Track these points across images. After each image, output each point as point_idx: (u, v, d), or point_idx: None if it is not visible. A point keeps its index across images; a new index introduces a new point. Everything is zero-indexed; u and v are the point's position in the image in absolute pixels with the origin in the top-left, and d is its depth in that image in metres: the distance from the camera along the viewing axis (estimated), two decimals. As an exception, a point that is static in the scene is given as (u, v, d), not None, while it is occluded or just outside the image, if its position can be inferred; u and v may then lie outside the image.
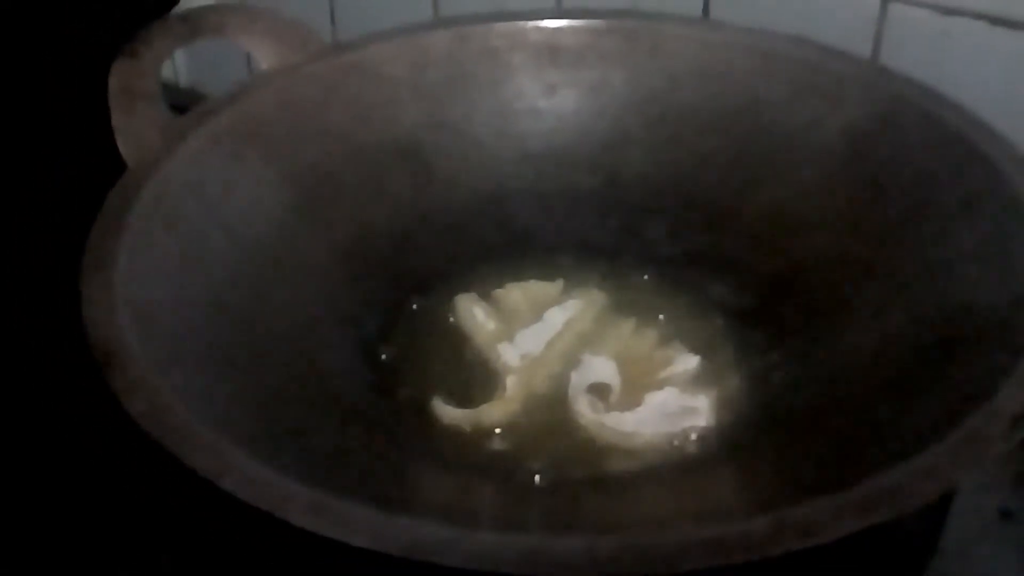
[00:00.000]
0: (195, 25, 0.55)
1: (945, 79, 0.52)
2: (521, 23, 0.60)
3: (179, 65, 0.90)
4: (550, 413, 0.49)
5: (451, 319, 0.54)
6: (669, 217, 0.58)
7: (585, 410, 0.48)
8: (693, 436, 0.48)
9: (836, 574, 0.42)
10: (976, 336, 0.42)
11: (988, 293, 0.43)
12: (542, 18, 0.60)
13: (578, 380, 0.49)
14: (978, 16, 0.57)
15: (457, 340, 0.53)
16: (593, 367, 0.50)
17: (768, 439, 0.46)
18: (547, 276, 0.56)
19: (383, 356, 0.52)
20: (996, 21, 0.56)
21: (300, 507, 0.33)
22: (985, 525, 0.52)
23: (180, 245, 0.48)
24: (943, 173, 0.49)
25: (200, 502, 0.39)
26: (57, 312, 0.44)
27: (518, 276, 0.56)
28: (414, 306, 0.55)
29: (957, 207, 0.48)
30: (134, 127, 0.51)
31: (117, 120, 0.51)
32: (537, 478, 0.46)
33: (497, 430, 0.49)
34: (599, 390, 0.49)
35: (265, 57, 0.56)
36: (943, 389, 0.41)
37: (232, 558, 0.48)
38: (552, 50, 0.60)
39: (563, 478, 0.46)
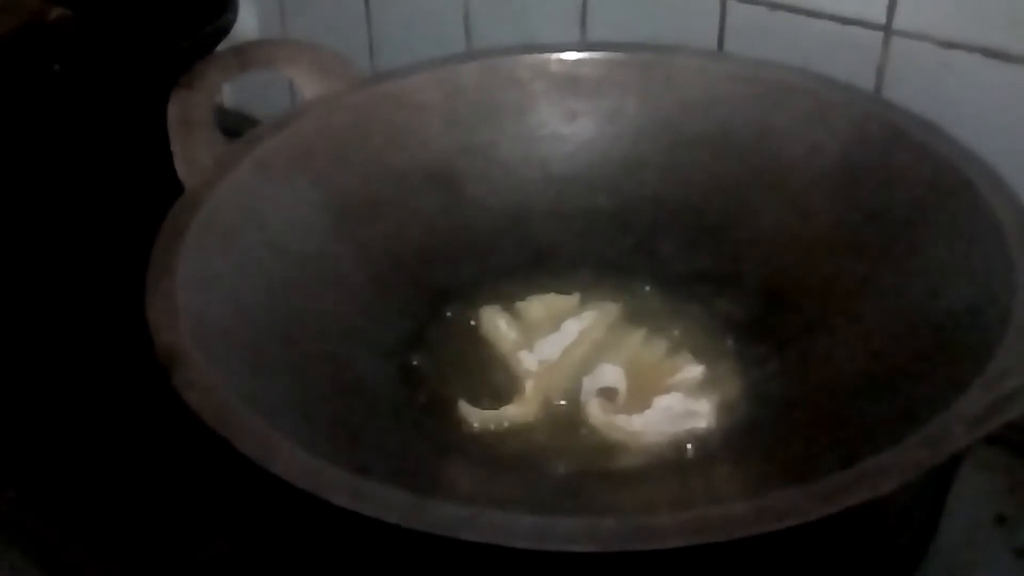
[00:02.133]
0: (246, 58, 0.59)
1: (944, 109, 0.55)
2: (544, 55, 0.63)
3: (226, 89, 0.94)
4: (565, 414, 0.53)
5: (477, 329, 0.58)
6: (680, 236, 0.61)
7: (596, 411, 0.52)
8: (695, 437, 0.52)
9: (830, 574, 0.46)
10: (947, 344, 0.46)
11: (961, 305, 0.47)
12: (564, 51, 0.63)
13: (590, 384, 0.53)
14: (975, 50, 0.59)
15: (482, 348, 0.57)
16: (603, 373, 0.54)
17: (762, 440, 0.50)
18: (565, 290, 0.59)
19: (414, 362, 0.56)
20: (992, 55, 0.58)
21: (341, 490, 0.38)
22: (980, 530, 0.54)
23: (233, 259, 0.52)
24: (931, 200, 0.53)
25: (251, 488, 0.43)
26: (126, 319, 0.48)
27: (539, 290, 0.60)
28: (445, 316, 0.59)
29: (940, 229, 0.51)
30: (190, 152, 0.55)
31: (175, 145, 0.55)
32: (551, 471, 0.50)
33: (517, 429, 0.53)
34: (608, 394, 0.53)
35: (309, 87, 0.61)
36: (915, 393, 0.45)
37: (279, 539, 0.52)
38: (573, 80, 0.63)
39: (575, 472, 0.50)
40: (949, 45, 0.60)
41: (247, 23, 0.89)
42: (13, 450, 0.62)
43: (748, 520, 0.36)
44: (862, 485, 0.37)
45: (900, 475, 0.37)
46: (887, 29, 0.61)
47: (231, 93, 0.94)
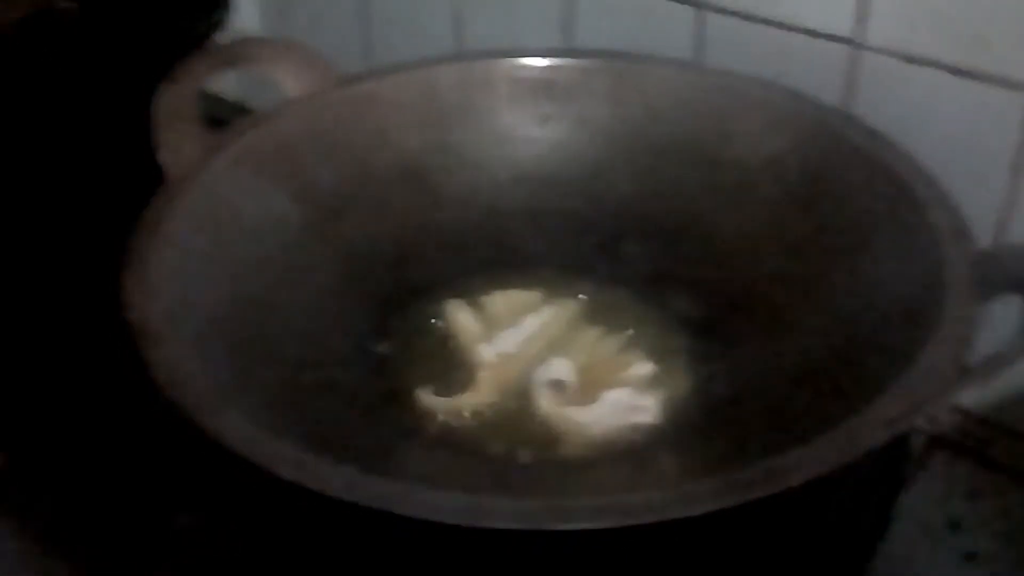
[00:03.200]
0: (230, 55, 0.61)
1: (911, 124, 0.57)
2: (519, 60, 0.65)
3: (227, 81, 0.96)
4: (516, 404, 0.55)
5: (441, 322, 0.60)
6: (643, 238, 0.63)
7: (545, 402, 0.55)
8: (639, 430, 0.54)
9: (774, 569, 0.49)
10: (877, 351, 0.48)
11: (893, 311, 0.50)
12: (538, 56, 0.65)
13: (541, 376, 0.56)
14: (942, 67, 0.60)
15: (444, 340, 0.59)
16: (554, 366, 0.56)
17: (702, 433, 0.52)
18: (529, 287, 0.62)
19: (380, 352, 0.58)
20: (958, 72, 0.59)
21: (286, 462, 0.40)
22: (932, 533, 0.56)
23: (208, 248, 0.54)
24: (877, 210, 0.55)
25: (213, 463, 0.46)
26: (103, 298, 0.50)
27: (504, 285, 0.62)
28: (412, 309, 0.61)
29: (883, 238, 0.54)
30: (173, 143, 0.57)
31: (159, 137, 0.57)
32: (497, 457, 0.52)
33: (469, 416, 0.55)
34: (558, 386, 0.55)
35: (291, 85, 0.62)
36: (844, 394, 0.47)
37: (234, 511, 0.55)
38: (547, 85, 0.65)
39: (522, 457, 0.52)
40: (916, 61, 0.61)
41: (249, 21, 0.91)
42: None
43: (669, 505, 0.38)
44: (771, 479, 0.39)
45: (807, 471, 0.39)
46: (856, 44, 0.62)
47: (233, 85, 0.96)
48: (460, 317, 0.60)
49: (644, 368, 0.57)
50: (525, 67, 0.65)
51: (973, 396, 0.63)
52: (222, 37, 0.75)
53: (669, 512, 0.38)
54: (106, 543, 0.57)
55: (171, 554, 0.56)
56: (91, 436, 0.63)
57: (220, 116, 0.62)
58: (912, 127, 0.57)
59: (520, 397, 0.56)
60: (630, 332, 0.59)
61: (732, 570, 0.48)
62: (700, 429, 0.53)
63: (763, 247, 0.59)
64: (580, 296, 0.62)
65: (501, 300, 0.61)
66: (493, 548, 0.42)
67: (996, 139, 0.59)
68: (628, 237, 0.64)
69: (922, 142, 0.55)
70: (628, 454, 0.52)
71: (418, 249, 0.63)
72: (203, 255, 0.54)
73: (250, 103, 0.94)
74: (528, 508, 0.38)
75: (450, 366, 0.58)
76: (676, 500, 0.38)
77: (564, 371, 0.56)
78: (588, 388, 0.56)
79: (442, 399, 0.55)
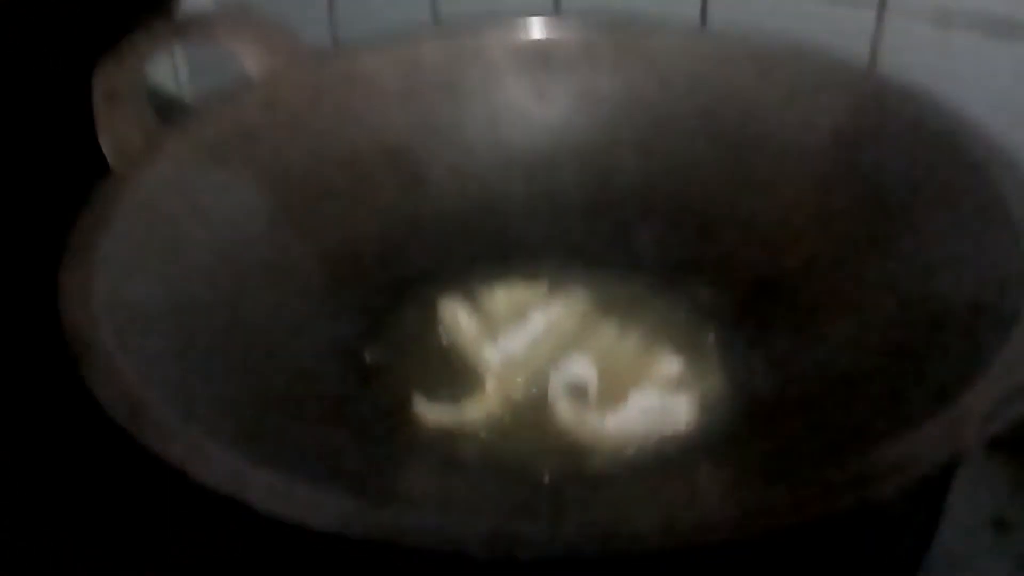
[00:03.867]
0: (181, 29, 0.56)
1: (941, 87, 0.52)
2: (512, 28, 0.60)
3: (180, 75, 0.90)
4: (530, 412, 0.49)
5: (436, 321, 0.55)
6: (657, 222, 0.58)
7: (564, 409, 0.48)
8: (674, 436, 0.48)
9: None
10: (952, 334, 0.42)
11: (966, 291, 0.44)
12: (533, 23, 0.60)
13: (557, 379, 0.50)
14: (974, 26, 0.57)
15: (441, 342, 0.54)
16: (573, 367, 0.50)
17: (747, 439, 0.47)
18: (532, 279, 0.56)
19: (367, 357, 0.52)
20: (992, 31, 0.56)
21: (261, 490, 0.34)
22: (979, 535, 0.52)
23: (163, 244, 0.48)
24: (929, 178, 0.49)
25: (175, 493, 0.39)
26: (38, 306, 0.44)
27: (504, 280, 0.56)
28: (402, 308, 0.55)
29: (943, 210, 0.48)
30: (117, 128, 0.52)
31: (100, 121, 0.51)
32: (514, 475, 0.46)
33: (477, 429, 0.49)
34: (578, 389, 0.49)
35: (252, 62, 0.57)
36: (918, 386, 0.41)
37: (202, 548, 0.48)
38: (543, 56, 0.60)
39: (540, 474, 0.46)
40: (946, 22, 0.58)
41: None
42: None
43: (730, 523, 0.32)
44: (861, 485, 0.33)
45: (903, 475, 0.34)
46: (881, 5, 0.59)
47: (188, 81, 0.90)
48: (458, 317, 0.54)
49: (672, 365, 0.51)
50: (518, 37, 0.60)
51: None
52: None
53: (747, 527, 0.31)
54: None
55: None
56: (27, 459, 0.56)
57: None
58: (944, 89, 0.52)
59: (534, 404, 0.50)
60: (650, 327, 0.53)
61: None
62: (742, 432, 0.47)
63: (796, 228, 0.54)
64: (590, 289, 0.56)
65: (502, 295, 0.55)
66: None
67: None
68: (640, 222, 0.58)
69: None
70: (665, 465, 0.46)
71: (406, 242, 0.57)
72: (156, 254, 0.48)
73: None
74: (566, 531, 0.31)
75: (450, 373, 0.52)
76: (753, 513, 0.31)
77: (585, 372, 0.50)
78: (610, 391, 0.49)
79: (444, 410, 0.49)
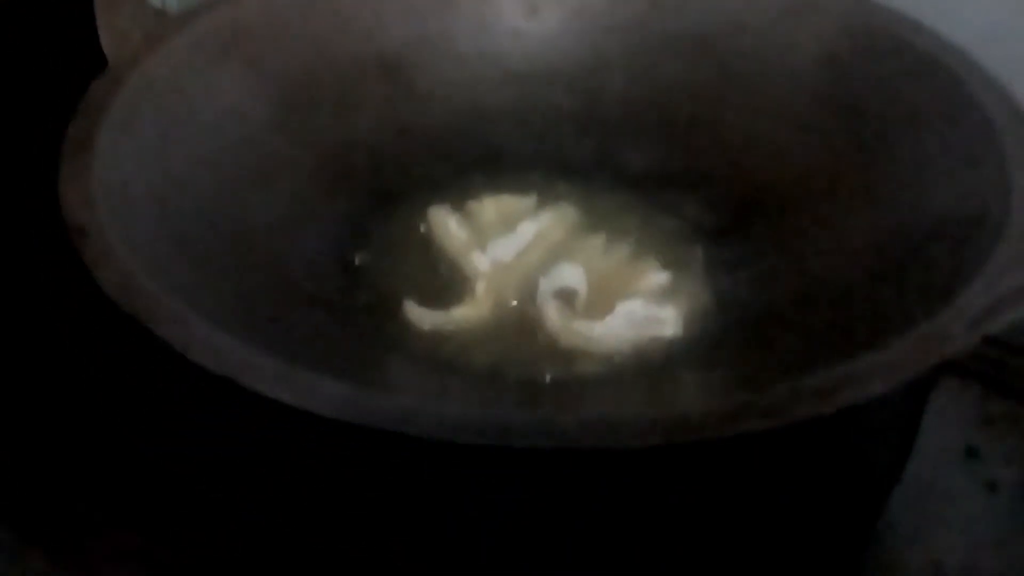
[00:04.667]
0: None
1: (930, 10, 0.53)
2: None
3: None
4: (519, 317, 0.50)
5: (425, 228, 0.54)
6: (646, 138, 0.58)
7: (552, 315, 0.48)
8: (659, 344, 0.48)
9: (800, 504, 0.44)
10: (939, 246, 0.43)
11: (953, 206, 0.45)
12: None
13: (546, 286, 0.50)
14: None
15: (430, 249, 0.53)
16: (562, 274, 0.50)
17: (733, 347, 0.47)
18: (521, 191, 0.56)
19: (357, 261, 0.52)
20: None
21: (267, 376, 0.34)
22: (950, 462, 0.53)
23: (160, 138, 0.48)
24: (916, 97, 0.50)
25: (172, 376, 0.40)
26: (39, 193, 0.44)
27: (493, 191, 0.56)
28: (392, 215, 0.55)
29: (931, 129, 0.49)
30: (117, 24, 0.52)
31: (100, 17, 0.51)
32: (503, 376, 0.46)
33: (467, 332, 0.49)
34: (567, 296, 0.49)
35: None
36: (904, 297, 0.42)
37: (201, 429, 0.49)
38: None
39: (528, 377, 0.46)
40: None
41: None
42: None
43: (721, 419, 0.33)
44: (857, 383, 0.34)
45: (897, 373, 0.35)
46: None
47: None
48: (448, 225, 0.54)
49: (659, 277, 0.51)
50: None
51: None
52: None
53: (740, 424, 0.31)
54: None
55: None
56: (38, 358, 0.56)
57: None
58: (928, 12, 0.53)
59: (523, 309, 0.50)
60: (638, 239, 0.53)
61: (747, 492, 0.43)
62: (729, 341, 0.47)
63: (783, 144, 0.54)
64: (578, 201, 0.56)
65: (491, 205, 0.55)
66: (510, 470, 0.36)
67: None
68: (629, 138, 0.58)
69: (939, 26, 0.52)
70: (651, 370, 0.46)
71: (397, 151, 0.57)
72: (153, 146, 0.48)
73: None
74: (562, 424, 0.32)
75: (439, 277, 0.52)
76: (744, 410, 0.32)
77: (575, 279, 0.50)
78: (599, 299, 0.49)
79: (433, 312, 0.49)
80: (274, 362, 0.35)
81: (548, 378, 0.46)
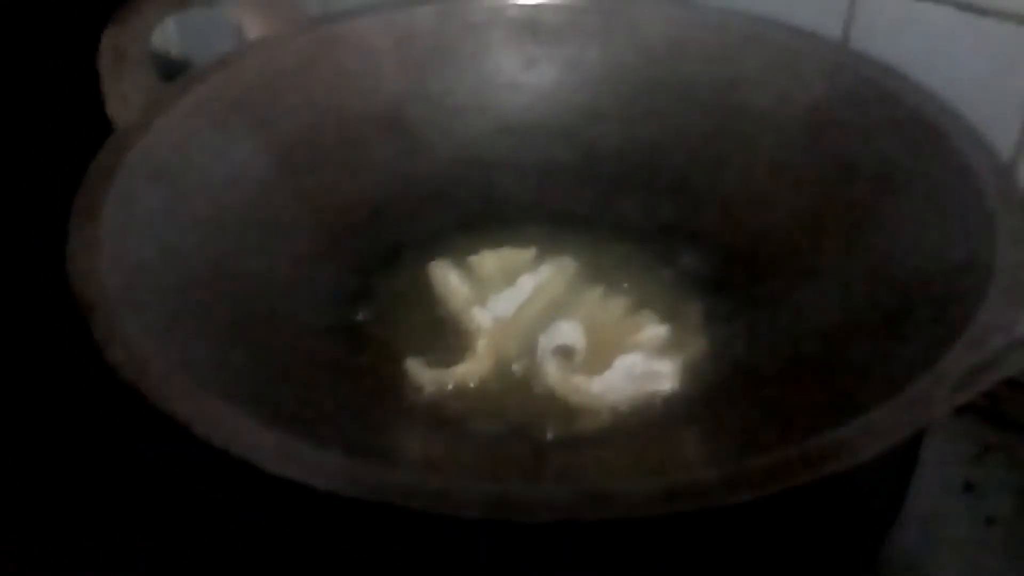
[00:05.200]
0: None
1: (914, 62, 0.53)
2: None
3: (171, 36, 0.90)
4: (520, 374, 0.50)
5: (426, 284, 0.55)
6: (642, 190, 0.59)
7: (552, 371, 0.49)
8: (658, 399, 0.49)
9: (799, 537, 0.44)
10: (926, 303, 0.44)
11: (939, 262, 0.45)
12: None
13: (546, 343, 0.51)
14: (946, 2, 0.57)
15: (432, 304, 0.54)
16: (561, 330, 0.51)
17: (729, 402, 0.48)
18: (521, 244, 0.57)
19: (360, 319, 0.53)
20: (963, 7, 0.57)
21: (269, 453, 0.35)
22: (948, 497, 0.53)
23: (165, 205, 0.49)
24: (903, 152, 0.51)
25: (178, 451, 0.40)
26: (46, 267, 0.44)
27: (493, 244, 0.57)
28: (393, 270, 0.56)
29: (915, 184, 0.49)
30: (123, 91, 0.52)
31: (106, 84, 0.51)
32: (505, 435, 0.47)
33: (468, 390, 0.50)
34: (566, 352, 0.50)
35: (253, 27, 0.57)
36: (893, 353, 0.42)
37: (208, 508, 0.49)
38: (532, 26, 0.61)
39: (530, 435, 0.47)
40: None
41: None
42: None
43: (719, 488, 0.34)
44: (845, 451, 0.35)
45: (882, 440, 0.35)
46: None
47: (178, 41, 0.90)
48: (448, 278, 0.55)
49: (657, 330, 0.52)
50: (508, 7, 0.61)
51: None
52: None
53: (732, 495, 0.32)
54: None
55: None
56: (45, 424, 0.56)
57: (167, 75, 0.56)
58: (917, 64, 0.54)
59: (523, 366, 0.51)
60: (636, 291, 0.54)
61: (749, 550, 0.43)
62: (724, 396, 0.48)
63: (776, 196, 0.55)
64: (576, 253, 0.57)
65: (491, 259, 0.56)
66: (516, 539, 0.37)
67: (1006, 77, 0.56)
68: (625, 189, 0.59)
69: (927, 79, 0.53)
70: (649, 427, 0.47)
71: (397, 205, 0.58)
72: (160, 213, 0.48)
73: (197, 60, 0.88)
74: (565, 497, 0.33)
75: (440, 333, 0.53)
76: (735, 480, 0.33)
77: (573, 336, 0.51)
78: (597, 354, 0.50)
79: (435, 371, 0.50)
80: (278, 438, 0.35)
81: (550, 436, 0.47)
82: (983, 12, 0.56)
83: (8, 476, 0.53)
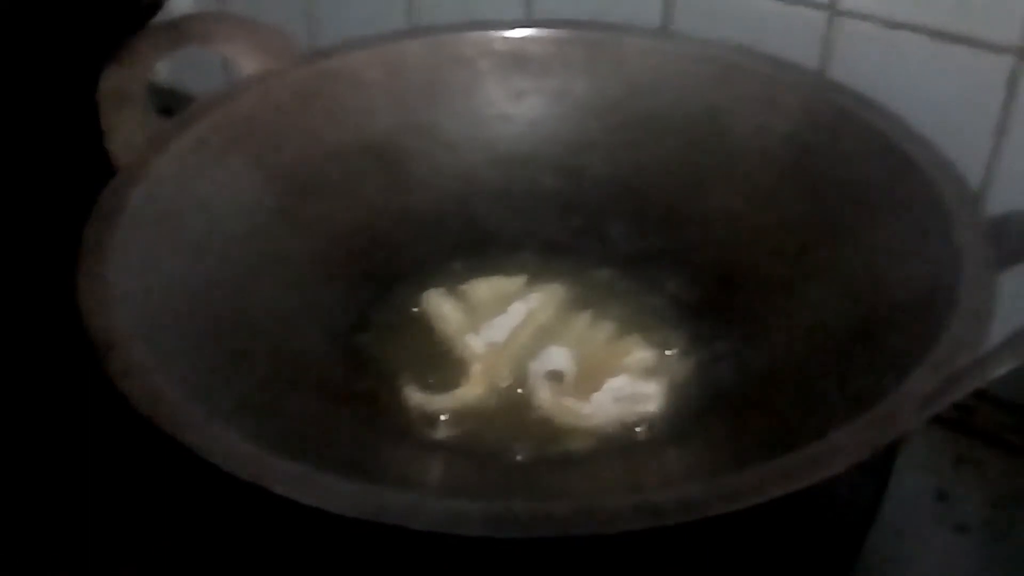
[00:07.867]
0: (181, 33, 0.57)
1: (891, 90, 0.55)
2: (490, 33, 0.62)
3: (160, 66, 0.91)
4: (512, 397, 0.52)
5: (421, 312, 0.57)
6: (628, 217, 0.60)
7: (544, 395, 0.51)
8: (644, 419, 0.51)
9: (777, 548, 0.45)
10: (895, 324, 0.46)
11: (908, 286, 0.47)
12: (510, 28, 0.62)
13: (537, 368, 0.53)
14: (921, 30, 0.58)
15: (426, 331, 0.56)
16: (551, 356, 0.53)
17: (712, 422, 0.50)
18: (512, 272, 0.59)
19: (358, 346, 0.55)
20: (937, 36, 0.58)
21: (282, 479, 0.37)
22: (922, 506, 0.55)
23: (169, 241, 0.50)
24: (876, 179, 0.52)
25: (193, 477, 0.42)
26: (56, 305, 0.46)
27: (485, 272, 0.59)
28: (389, 299, 0.57)
29: (887, 210, 0.51)
30: (122, 130, 0.53)
31: (106, 123, 0.53)
32: (500, 456, 0.49)
33: (464, 414, 0.51)
34: (556, 376, 0.52)
35: (247, 64, 0.58)
36: (864, 372, 0.44)
37: (222, 532, 0.51)
38: (519, 59, 0.62)
39: (524, 456, 0.49)
40: (894, 25, 0.59)
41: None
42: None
43: (703, 502, 0.35)
44: (816, 466, 0.36)
45: (851, 455, 0.37)
46: (832, 8, 0.61)
47: (165, 71, 0.91)
48: (442, 306, 0.57)
49: (643, 354, 0.54)
50: (496, 40, 0.62)
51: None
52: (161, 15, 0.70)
53: (711, 509, 0.34)
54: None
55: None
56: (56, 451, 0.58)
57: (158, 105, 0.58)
58: (893, 92, 0.55)
59: (516, 390, 0.53)
60: (623, 316, 0.56)
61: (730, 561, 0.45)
62: (709, 416, 0.50)
63: (757, 222, 0.57)
64: (565, 280, 0.59)
65: (483, 287, 0.58)
66: (511, 556, 0.38)
67: (978, 104, 0.58)
68: (612, 217, 0.61)
69: (903, 109, 0.54)
70: (637, 445, 0.49)
71: (392, 235, 0.60)
72: (164, 250, 0.50)
73: (187, 89, 0.89)
74: (557, 513, 0.35)
75: (435, 360, 0.55)
76: (717, 496, 0.35)
77: (563, 361, 0.53)
78: (587, 378, 0.52)
79: (431, 396, 0.52)
80: (289, 466, 0.37)
81: (542, 456, 0.49)
82: (955, 40, 0.58)
83: (8, 476, 0.55)
